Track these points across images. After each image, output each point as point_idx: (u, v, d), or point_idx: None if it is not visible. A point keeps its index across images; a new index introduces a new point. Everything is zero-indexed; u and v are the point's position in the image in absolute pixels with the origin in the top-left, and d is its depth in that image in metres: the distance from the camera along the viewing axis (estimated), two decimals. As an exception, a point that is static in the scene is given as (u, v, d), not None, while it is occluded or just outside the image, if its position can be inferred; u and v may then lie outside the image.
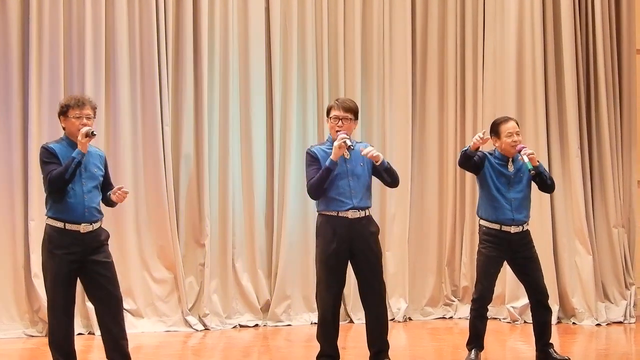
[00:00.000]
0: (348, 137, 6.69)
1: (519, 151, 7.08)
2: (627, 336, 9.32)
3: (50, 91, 8.97)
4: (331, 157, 6.66)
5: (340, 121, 6.77)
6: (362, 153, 6.72)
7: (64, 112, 6.38)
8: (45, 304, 8.71)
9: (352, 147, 6.67)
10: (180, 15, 9.47)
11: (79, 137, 6.23)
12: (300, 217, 9.81)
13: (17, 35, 8.96)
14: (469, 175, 10.08)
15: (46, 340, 8.66)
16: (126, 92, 9.22)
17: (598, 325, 9.64)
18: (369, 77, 10.15)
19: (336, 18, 10.02)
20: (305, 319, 9.77)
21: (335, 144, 6.65)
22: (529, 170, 7.06)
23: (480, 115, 10.26)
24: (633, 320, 9.82)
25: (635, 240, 10.11)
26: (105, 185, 6.51)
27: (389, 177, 6.89)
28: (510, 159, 7.19)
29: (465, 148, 7.12)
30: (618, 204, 9.93)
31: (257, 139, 9.75)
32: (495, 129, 7.25)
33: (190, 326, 9.34)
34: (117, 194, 6.42)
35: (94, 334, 8.81)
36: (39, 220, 8.88)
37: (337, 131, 6.75)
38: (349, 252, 6.75)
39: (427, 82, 10.40)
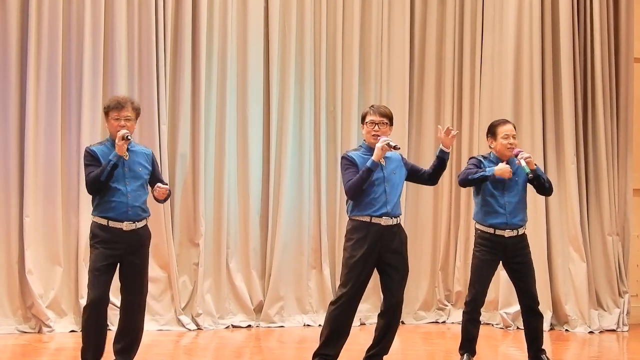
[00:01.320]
0: (390, 139, 6.72)
1: (516, 155, 7.08)
2: (620, 344, 9.33)
3: (48, 89, 8.96)
4: (373, 157, 6.67)
5: (377, 126, 6.80)
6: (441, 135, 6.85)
7: (105, 113, 6.53)
8: (38, 300, 8.81)
9: (398, 148, 6.72)
10: (179, 14, 9.47)
11: (117, 140, 6.34)
12: (295, 218, 9.81)
13: (16, 34, 8.95)
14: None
15: (39, 336, 8.75)
16: (124, 91, 9.19)
17: (591, 332, 9.64)
18: (366, 79, 10.16)
19: (335, 20, 10.03)
20: (298, 320, 9.77)
21: (378, 144, 6.66)
22: (527, 174, 7.05)
23: (477, 120, 10.28)
24: (626, 328, 9.83)
25: (630, 249, 10.12)
26: (154, 182, 6.61)
27: (441, 166, 6.95)
28: (506, 162, 7.18)
29: (488, 174, 7.05)
30: (613, 212, 9.94)
31: (254, 140, 9.75)
32: (492, 130, 7.26)
33: (183, 325, 9.33)
34: (157, 190, 6.52)
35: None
36: (34, 216, 8.90)
37: (373, 135, 6.77)
38: (376, 258, 6.75)
39: (425, 86, 10.42)
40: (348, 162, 6.80)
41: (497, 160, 7.20)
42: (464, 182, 7.23)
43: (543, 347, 7.37)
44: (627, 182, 10.11)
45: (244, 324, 9.60)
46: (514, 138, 7.20)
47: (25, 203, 8.87)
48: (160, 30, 9.32)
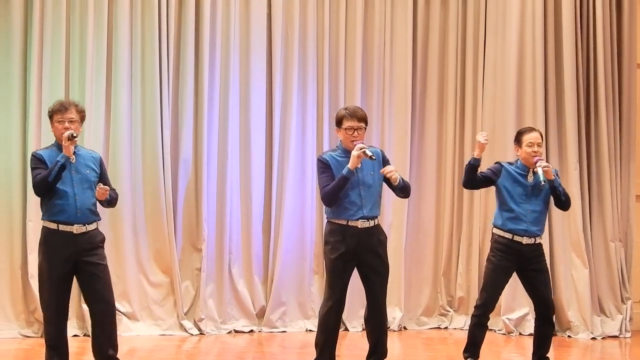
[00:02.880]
0: (366, 146, 6.67)
1: (535, 163, 7.08)
2: (622, 350, 9.32)
3: (51, 94, 8.96)
4: (348, 165, 6.63)
5: (356, 131, 6.75)
6: (383, 172, 6.71)
7: (50, 117, 6.51)
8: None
9: (373, 158, 6.66)
10: (182, 20, 9.49)
11: (63, 141, 6.32)
12: (298, 223, 9.81)
13: (19, 38, 8.97)
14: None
15: (41, 340, 8.74)
16: (126, 96, 9.23)
17: (593, 339, 9.63)
18: (369, 85, 10.16)
19: (337, 26, 10.04)
20: (300, 325, 9.77)
21: (354, 152, 6.61)
22: (542, 182, 7.03)
23: (480, 126, 10.26)
24: (628, 334, 9.81)
25: (632, 255, 10.10)
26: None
27: (402, 194, 6.91)
28: (531, 170, 7.17)
29: (470, 162, 7.11)
30: (615, 218, 9.93)
31: (256, 145, 9.76)
32: (518, 138, 7.26)
33: (186, 330, 9.34)
34: (97, 191, 6.44)
35: (89, 335, 8.79)
36: (37, 221, 8.85)
37: (352, 141, 6.72)
38: (356, 260, 6.75)
39: (427, 92, 10.41)
40: (322, 165, 6.78)
41: (523, 167, 7.18)
42: (465, 182, 7.33)
43: (547, 355, 7.35)
44: (629, 188, 10.10)
45: (246, 329, 9.60)
46: (539, 146, 7.17)
47: (28, 207, 8.88)
48: (163, 36, 9.34)
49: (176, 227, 9.44)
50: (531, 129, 7.35)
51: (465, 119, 10.40)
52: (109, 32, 9.22)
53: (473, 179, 7.23)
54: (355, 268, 6.82)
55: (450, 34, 10.42)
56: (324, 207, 6.89)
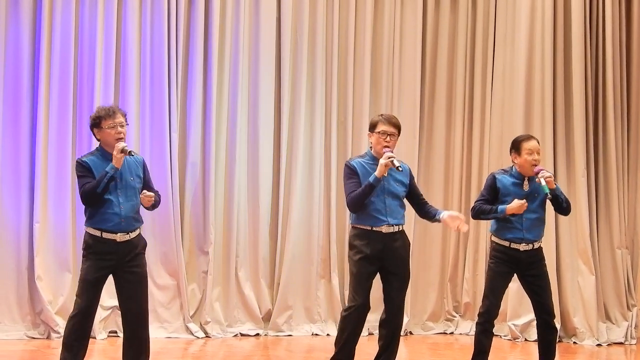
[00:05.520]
0: (395, 156, 6.67)
1: (537, 173, 7.02)
2: (628, 357, 9.32)
3: (59, 97, 9.00)
4: (376, 173, 6.65)
5: (388, 137, 6.76)
6: (456, 230, 7.00)
7: (96, 124, 6.37)
8: (47, 307, 8.83)
9: (400, 169, 6.68)
10: (191, 23, 9.51)
11: (115, 152, 6.25)
12: (305, 227, 9.82)
13: (27, 41, 8.99)
14: (473, 192, 10.12)
15: (47, 342, 8.76)
16: (134, 99, 9.24)
17: (599, 345, 9.63)
18: (377, 90, 10.17)
19: (347, 31, 10.05)
20: (306, 329, 9.78)
21: (382, 161, 6.62)
22: (546, 194, 7.00)
23: (488, 132, 10.28)
24: (634, 341, 9.82)
25: (638, 262, 10.10)
26: (146, 189, 6.50)
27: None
28: (527, 178, 7.12)
29: (499, 215, 7.03)
30: (622, 225, 9.93)
31: (264, 149, 9.77)
32: (516, 146, 7.14)
33: (192, 333, 9.35)
34: (142, 199, 6.42)
35: (95, 337, 8.82)
36: (44, 222, 8.94)
37: (384, 147, 6.73)
38: (380, 264, 6.76)
39: (436, 98, 10.42)
40: (350, 171, 6.79)
41: (519, 176, 7.11)
42: (476, 218, 7.31)
43: (554, 360, 7.36)
44: (637, 196, 10.10)
45: (252, 333, 9.61)
46: (538, 154, 7.09)
47: (35, 209, 8.90)
48: (172, 39, 9.36)
49: (183, 230, 9.46)
50: (530, 137, 7.23)
51: (473, 124, 10.41)
52: (118, 35, 9.24)
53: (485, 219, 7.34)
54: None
55: (459, 39, 10.43)
56: (347, 212, 6.89)
